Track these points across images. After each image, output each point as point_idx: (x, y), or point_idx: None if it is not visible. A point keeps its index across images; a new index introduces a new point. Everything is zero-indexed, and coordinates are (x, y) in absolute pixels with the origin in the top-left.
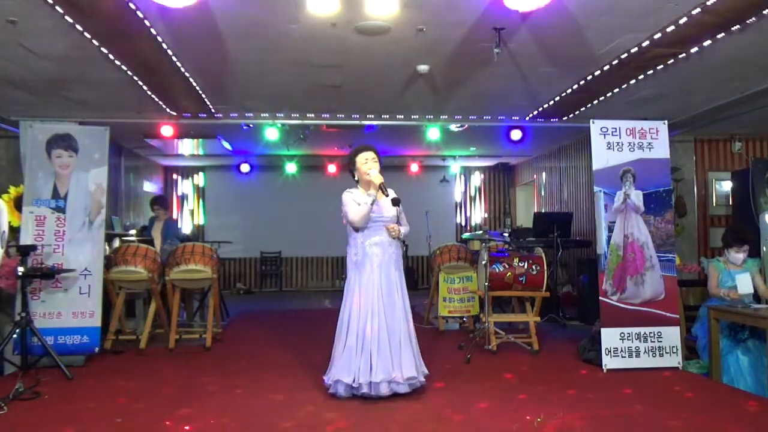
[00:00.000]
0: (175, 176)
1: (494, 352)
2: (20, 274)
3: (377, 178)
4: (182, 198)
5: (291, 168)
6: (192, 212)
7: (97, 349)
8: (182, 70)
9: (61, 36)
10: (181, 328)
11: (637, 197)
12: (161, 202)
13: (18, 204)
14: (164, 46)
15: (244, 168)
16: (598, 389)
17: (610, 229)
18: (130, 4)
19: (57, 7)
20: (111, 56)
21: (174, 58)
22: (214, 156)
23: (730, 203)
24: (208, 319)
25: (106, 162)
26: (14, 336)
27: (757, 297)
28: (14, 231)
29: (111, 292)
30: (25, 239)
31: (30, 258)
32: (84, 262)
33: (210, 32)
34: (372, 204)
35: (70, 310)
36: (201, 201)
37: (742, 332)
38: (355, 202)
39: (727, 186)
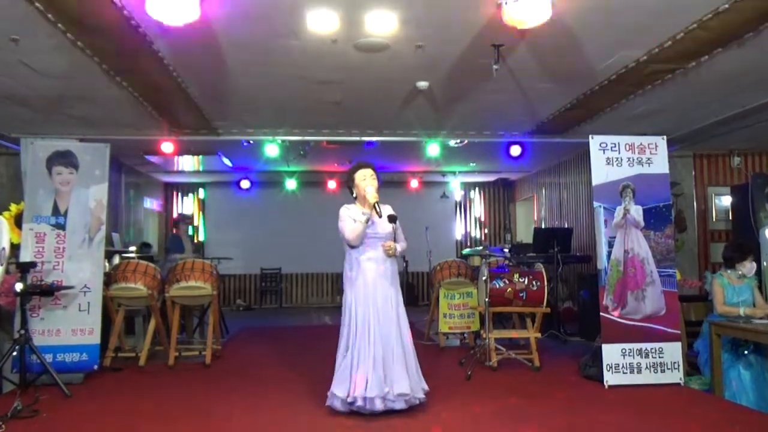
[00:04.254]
0: (175, 193)
1: (495, 369)
2: (19, 291)
3: (372, 197)
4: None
5: (291, 184)
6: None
7: (96, 367)
8: (183, 86)
9: (63, 53)
10: (181, 345)
11: (636, 212)
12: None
13: (18, 221)
14: (165, 62)
15: (245, 184)
16: (600, 406)
17: (611, 245)
18: (132, 22)
19: (59, 25)
20: (112, 73)
21: (175, 75)
22: (215, 172)
23: (730, 218)
24: (208, 336)
25: (106, 179)
26: (13, 354)
27: None
28: (14, 248)
29: (110, 309)
30: (25, 256)
31: (29, 275)
32: (84, 279)
33: (211, 49)
34: (366, 222)
35: (70, 328)
36: (201, 217)
37: (744, 347)
38: (351, 219)
39: (726, 201)
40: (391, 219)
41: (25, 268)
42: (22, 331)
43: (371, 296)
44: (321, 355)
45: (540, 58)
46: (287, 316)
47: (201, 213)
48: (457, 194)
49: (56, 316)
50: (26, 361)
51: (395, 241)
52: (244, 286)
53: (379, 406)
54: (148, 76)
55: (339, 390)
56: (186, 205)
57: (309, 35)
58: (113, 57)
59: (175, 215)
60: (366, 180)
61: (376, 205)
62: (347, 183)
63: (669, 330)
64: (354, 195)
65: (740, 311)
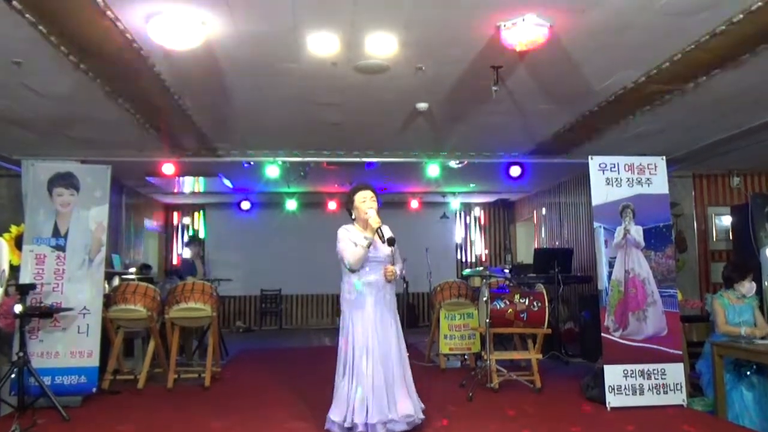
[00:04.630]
0: (175, 214)
1: (496, 390)
2: (18, 313)
3: (375, 222)
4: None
5: (291, 205)
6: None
7: (94, 389)
8: (184, 108)
9: (65, 76)
10: (180, 367)
11: (637, 233)
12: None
13: (19, 243)
14: (167, 85)
15: (245, 205)
16: (603, 428)
17: (611, 265)
18: (134, 45)
19: (62, 48)
20: (114, 95)
21: (176, 97)
22: (215, 194)
23: (731, 238)
24: (207, 358)
25: (107, 200)
26: (11, 376)
27: None
28: (14, 270)
29: (110, 330)
30: (25, 278)
31: (29, 297)
32: (83, 301)
33: (212, 72)
34: (368, 247)
35: (68, 350)
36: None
37: (746, 367)
38: (351, 242)
39: (726, 221)
40: (391, 242)
41: (24, 290)
42: (21, 354)
43: (371, 321)
44: (321, 376)
45: (539, 80)
46: (287, 338)
47: (201, 234)
48: (457, 215)
49: (55, 338)
50: (24, 384)
51: (393, 262)
52: (243, 308)
53: (380, 431)
54: (150, 98)
55: (336, 415)
56: (186, 227)
57: (309, 58)
58: (115, 79)
59: (175, 236)
60: (366, 202)
61: (379, 229)
62: (346, 205)
63: (671, 351)
64: (353, 217)
65: (741, 331)
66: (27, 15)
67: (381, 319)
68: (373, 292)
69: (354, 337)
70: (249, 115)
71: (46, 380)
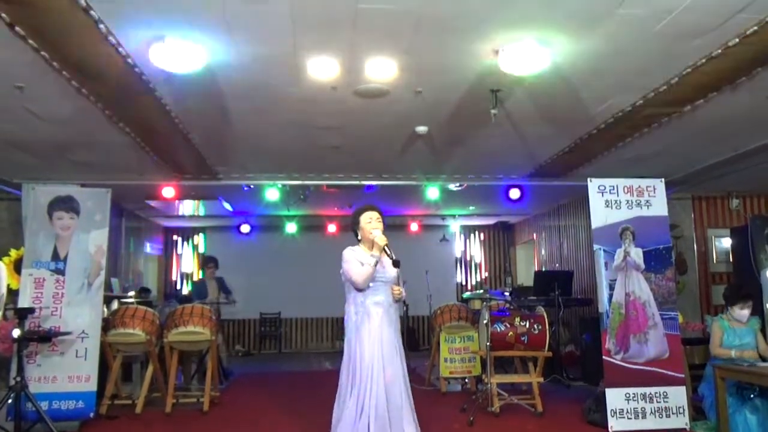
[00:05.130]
0: (175, 237)
1: (497, 414)
2: (16, 337)
3: (381, 240)
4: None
5: (291, 228)
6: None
7: (92, 414)
8: (185, 132)
9: (67, 100)
10: (179, 391)
11: (637, 255)
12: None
13: (18, 267)
14: (167, 109)
15: (245, 228)
16: None
17: (612, 287)
18: (136, 69)
19: (64, 72)
20: (115, 119)
21: (177, 121)
22: (215, 217)
23: (731, 260)
24: (206, 383)
25: (107, 224)
26: (8, 401)
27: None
28: (12, 293)
29: (108, 354)
30: (24, 302)
31: (27, 321)
32: (82, 325)
33: (213, 95)
34: (375, 265)
35: (66, 374)
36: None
37: (749, 390)
38: (357, 261)
39: (726, 243)
40: (396, 264)
41: (22, 314)
42: (18, 378)
43: (378, 341)
44: (320, 400)
45: (537, 103)
46: (287, 362)
47: (201, 257)
48: (457, 237)
49: (53, 362)
50: (21, 409)
51: (399, 283)
52: (243, 331)
53: None
54: (150, 122)
55: None
56: (185, 250)
57: (309, 82)
58: (116, 103)
59: (175, 259)
60: (372, 222)
61: (386, 247)
62: (352, 225)
63: (673, 374)
64: (359, 237)
65: (732, 353)
66: (30, 41)
67: (388, 340)
68: (380, 312)
69: (361, 359)
70: (249, 138)
71: (44, 405)
